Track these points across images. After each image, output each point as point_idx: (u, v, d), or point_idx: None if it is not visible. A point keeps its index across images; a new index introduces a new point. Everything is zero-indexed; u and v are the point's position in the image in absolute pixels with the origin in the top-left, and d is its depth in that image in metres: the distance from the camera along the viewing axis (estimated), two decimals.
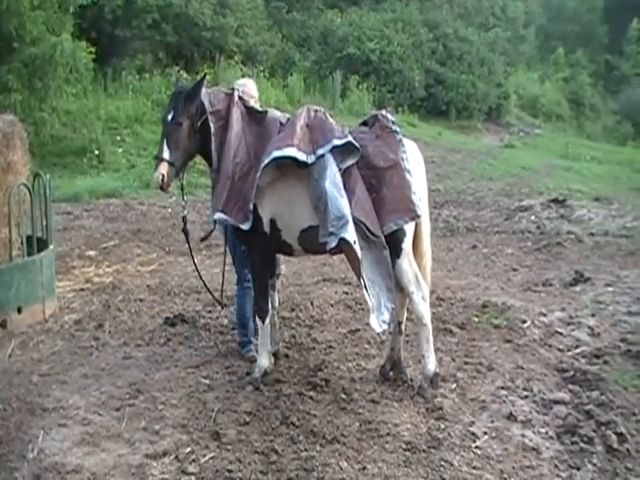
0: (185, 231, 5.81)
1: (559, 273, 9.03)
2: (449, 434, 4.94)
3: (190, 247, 6.05)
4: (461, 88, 28.66)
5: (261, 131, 5.50)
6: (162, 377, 5.73)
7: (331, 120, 5.46)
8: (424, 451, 4.72)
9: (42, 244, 7.35)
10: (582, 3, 49.29)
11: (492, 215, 13.06)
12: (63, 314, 7.22)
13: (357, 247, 5.03)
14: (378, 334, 6.08)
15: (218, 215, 5.28)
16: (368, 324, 5.44)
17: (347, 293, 7.88)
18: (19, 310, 6.82)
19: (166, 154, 5.28)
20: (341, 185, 5.12)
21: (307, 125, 5.34)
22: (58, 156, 15.80)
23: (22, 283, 6.84)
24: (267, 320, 5.70)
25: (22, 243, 7.19)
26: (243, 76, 23.48)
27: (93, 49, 16.40)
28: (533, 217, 12.54)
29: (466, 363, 6.11)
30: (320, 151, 5.20)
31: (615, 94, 42.40)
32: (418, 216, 5.36)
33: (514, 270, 9.36)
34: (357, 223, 5.09)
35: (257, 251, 5.59)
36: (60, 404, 5.20)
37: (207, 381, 5.64)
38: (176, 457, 4.54)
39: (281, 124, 5.48)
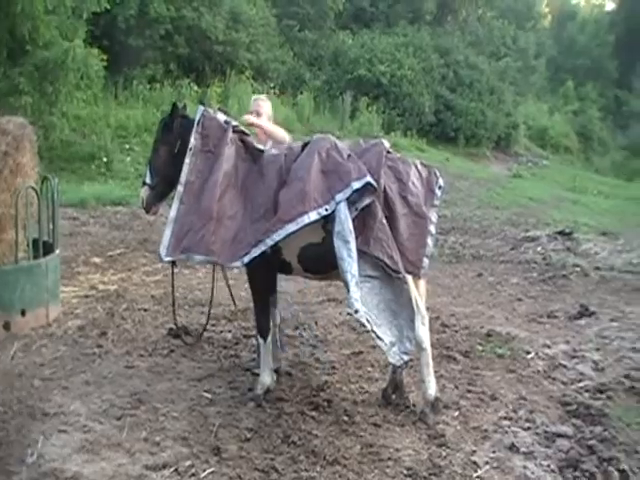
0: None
1: (564, 305, 9.01)
2: (450, 462, 4.89)
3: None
4: (470, 115, 28.77)
5: (256, 170, 5.41)
6: (164, 388, 5.70)
7: (344, 154, 5.27)
8: (425, 478, 4.67)
9: (48, 248, 7.33)
10: (593, 38, 49.62)
11: (498, 244, 13.05)
12: (67, 319, 7.18)
13: (360, 315, 4.98)
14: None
15: (200, 257, 5.18)
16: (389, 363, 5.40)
17: (352, 314, 7.83)
18: (23, 313, 6.79)
19: (147, 178, 5.60)
20: (350, 236, 4.99)
21: (322, 171, 5.17)
22: (66, 161, 15.81)
23: (27, 286, 6.81)
24: (269, 338, 5.67)
25: (28, 246, 7.17)
26: (254, 92, 23.61)
27: (105, 56, 16.46)
28: (539, 248, 12.52)
29: (469, 391, 6.07)
30: (339, 196, 5.06)
31: (624, 129, 42.57)
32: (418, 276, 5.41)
33: (519, 300, 9.34)
34: (376, 259, 5.08)
35: (257, 270, 5.52)
36: (61, 409, 5.16)
37: (209, 395, 5.60)
38: (176, 470, 4.49)
39: (281, 166, 5.33)
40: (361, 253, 5.05)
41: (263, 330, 5.65)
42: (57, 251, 7.48)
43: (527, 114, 36.38)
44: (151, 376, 5.95)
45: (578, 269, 10.95)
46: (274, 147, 5.78)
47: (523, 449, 5.15)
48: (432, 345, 6.96)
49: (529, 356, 6.94)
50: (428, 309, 8.39)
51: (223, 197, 5.21)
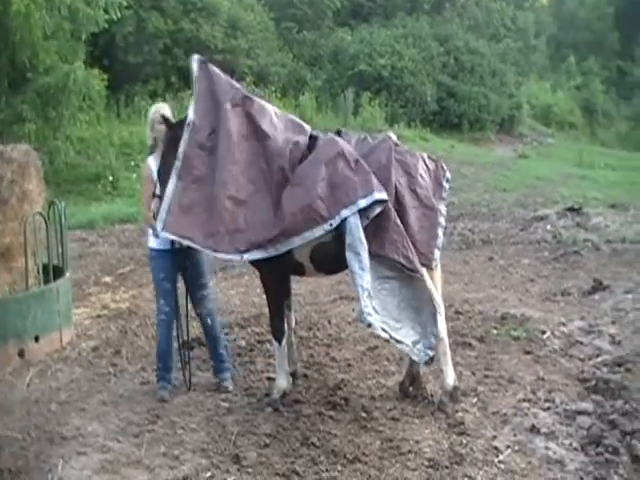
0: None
1: (577, 282, 8.94)
2: (471, 449, 4.88)
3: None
4: (473, 100, 28.60)
5: (260, 155, 5.31)
6: (180, 401, 5.71)
7: (352, 161, 5.18)
8: (447, 467, 4.67)
9: (58, 272, 7.37)
10: (593, 11, 49.11)
11: (508, 226, 12.97)
12: (80, 341, 7.22)
13: (374, 328, 4.96)
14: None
15: (197, 246, 5.21)
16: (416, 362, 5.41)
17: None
18: (36, 339, 6.83)
19: (158, 190, 5.50)
20: (361, 247, 4.98)
21: (328, 184, 5.11)
22: (73, 183, 15.92)
23: (39, 312, 6.85)
24: (283, 341, 5.65)
25: (38, 272, 7.23)
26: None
27: (105, 76, 16.56)
28: (549, 227, 12.43)
29: (486, 376, 6.06)
30: (345, 212, 5.03)
31: (628, 100, 42.16)
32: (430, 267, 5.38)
33: (532, 281, 9.28)
34: (393, 261, 5.07)
35: (270, 273, 5.55)
36: (79, 432, 5.19)
37: (226, 404, 5.62)
38: None
39: (285, 163, 5.24)
40: (377, 256, 5.05)
41: (278, 333, 5.63)
42: (67, 274, 7.52)
43: (530, 94, 36.13)
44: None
45: (589, 244, 10.86)
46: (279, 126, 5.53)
47: (544, 430, 5.13)
48: (447, 333, 7.01)
49: (545, 336, 6.90)
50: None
51: (226, 179, 5.18)
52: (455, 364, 6.26)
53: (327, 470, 4.63)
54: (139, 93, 21.31)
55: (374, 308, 4.95)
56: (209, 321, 5.99)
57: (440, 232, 5.47)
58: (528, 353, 6.54)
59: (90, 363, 6.64)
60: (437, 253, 5.43)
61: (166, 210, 5.18)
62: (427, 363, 5.33)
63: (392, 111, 26.31)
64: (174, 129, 5.45)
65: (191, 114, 5.32)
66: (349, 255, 4.98)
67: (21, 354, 6.69)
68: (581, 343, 6.75)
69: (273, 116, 5.52)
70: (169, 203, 5.19)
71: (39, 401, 5.79)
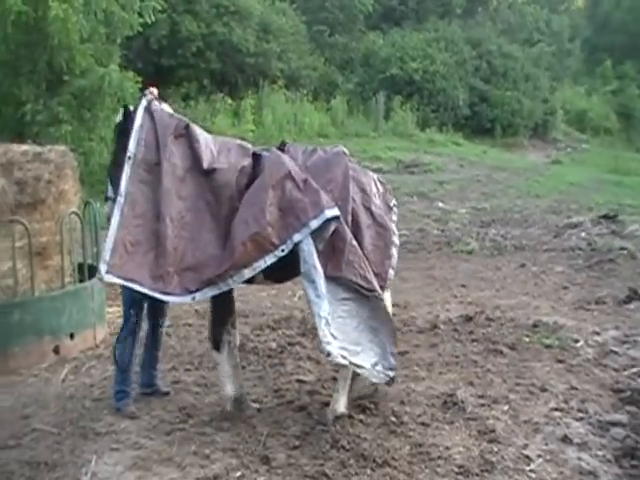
0: None
1: (612, 290, 8.84)
2: (502, 457, 4.82)
3: None
4: (506, 105, 28.46)
5: (205, 186, 5.07)
6: (212, 401, 5.74)
7: (300, 181, 5.03)
8: (477, 475, 4.62)
9: (93, 271, 7.46)
10: (629, 13, 48.31)
11: (540, 233, 12.87)
12: (113, 339, 7.27)
13: (334, 357, 4.84)
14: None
15: (145, 290, 4.86)
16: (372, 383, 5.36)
17: (394, 315, 7.82)
18: (71, 336, 6.94)
19: (109, 192, 5.29)
20: (316, 274, 4.87)
21: (278, 208, 4.95)
22: None
23: (74, 309, 6.95)
24: (226, 348, 5.35)
25: (74, 270, 7.34)
26: (286, 101, 23.76)
27: (139, 79, 16.73)
28: (583, 234, 12.31)
29: (518, 384, 6.00)
30: (297, 237, 4.91)
31: None
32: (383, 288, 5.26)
33: (565, 288, 9.19)
34: (351, 282, 5.00)
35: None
36: (112, 428, 5.24)
37: (256, 405, 5.63)
38: None
39: (232, 190, 5.05)
40: (333, 278, 4.97)
41: (217, 342, 5.36)
42: None
43: (564, 99, 35.79)
44: (198, 390, 6.01)
45: (625, 252, 10.72)
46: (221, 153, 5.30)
47: (576, 440, 5.06)
48: (477, 339, 6.99)
49: (578, 344, 6.83)
50: (470, 303, 8.42)
51: (172, 215, 4.95)
52: (486, 371, 6.26)
53: (356, 473, 4.61)
54: (172, 96, 21.50)
55: (332, 334, 4.85)
56: (162, 330, 5.98)
57: (394, 251, 5.40)
58: (560, 362, 6.47)
59: None
60: (392, 273, 5.36)
61: (110, 250, 4.80)
62: (388, 384, 5.27)
63: (423, 115, 26.28)
64: (127, 120, 5.19)
65: (132, 147, 4.99)
66: (305, 284, 4.89)
67: (56, 350, 6.79)
68: (615, 353, 6.66)
69: (211, 143, 5.29)
70: (113, 242, 4.85)
71: (73, 397, 5.87)
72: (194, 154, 5.12)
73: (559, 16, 41.19)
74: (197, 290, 4.90)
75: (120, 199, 4.92)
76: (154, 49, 21.53)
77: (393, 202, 5.66)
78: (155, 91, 5.38)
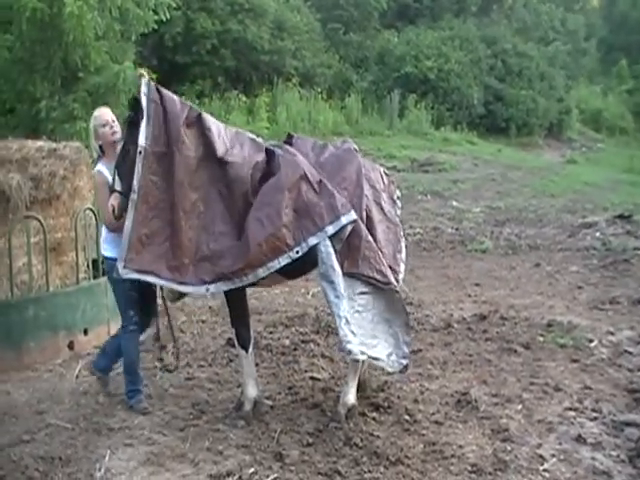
0: None
1: (627, 290, 8.79)
2: (516, 456, 4.82)
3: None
4: (521, 104, 28.25)
5: (219, 178, 5.09)
6: (225, 398, 5.76)
7: (315, 183, 5.05)
8: (490, 474, 4.62)
9: None
10: None
11: (555, 232, 12.81)
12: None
13: (354, 355, 4.96)
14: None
15: (162, 282, 4.99)
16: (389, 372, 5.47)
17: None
18: (85, 332, 6.98)
19: (117, 185, 5.16)
20: (334, 274, 4.92)
21: (293, 210, 4.98)
22: None
23: (88, 305, 7.00)
24: (250, 348, 5.42)
25: (88, 266, 7.38)
26: (301, 99, 23.75)
27: (154, 76, 16.78)
28: (598, 233, 12.23)
29: (532, 383, 5.99)
30: (312, 240, 4.94)
31: None
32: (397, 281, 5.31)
33: (579, 288, 9.15)
34: (368, 278, 5.06)
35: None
36: (125, 424, 5.27)
37: (269, 402, 5.64)
38: (239, 478, 4.53)
39: (247, 187, 5.05)
40: (350, 274, 5.02)
41: (243, 340, 5.41)
42: None
43: (580, 98, 35.50)
44: (211, 386, 6.03)
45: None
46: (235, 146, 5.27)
47: (590, 440, 5.05)
48: (491, 338, 6.97)
49: (592, 344, 6.80)
50: (484, 302, 8.41)
51: (186, 206, 4.98)
52: (500, 370, 6.24)
53: (369, 471, 4.62)
54: (187, 93, 21.51)
55: (352, 332, 4.93)
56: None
57: (403, 245, 5.48)
58: (575, 361, 6.45)
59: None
60: (402, 266, 5.42)
61: (126, 246, 4.89)
62: (402, 372, 5.36)
63: (438, 114, 26.14)
64: (136, 111, 5.14)
65: (142, 140, 4.96)
66: (323, 284, 4.94)
67: (71, 346, 6.84)
68: (630, 353, 6.64)
69: (224, 132, 5.27)
70: (129, 238, 4.89)
71: (87, 392, 5.90)
72: (207, 142, 5.12)
73: (574, 15, 40.88)
74: (212, 282, 4.95)
75: (133, 196, 4.94)
76: (169, 46, 21.56)
77: (397, 194, 5.71)
78: (145, 73, 5.40)
